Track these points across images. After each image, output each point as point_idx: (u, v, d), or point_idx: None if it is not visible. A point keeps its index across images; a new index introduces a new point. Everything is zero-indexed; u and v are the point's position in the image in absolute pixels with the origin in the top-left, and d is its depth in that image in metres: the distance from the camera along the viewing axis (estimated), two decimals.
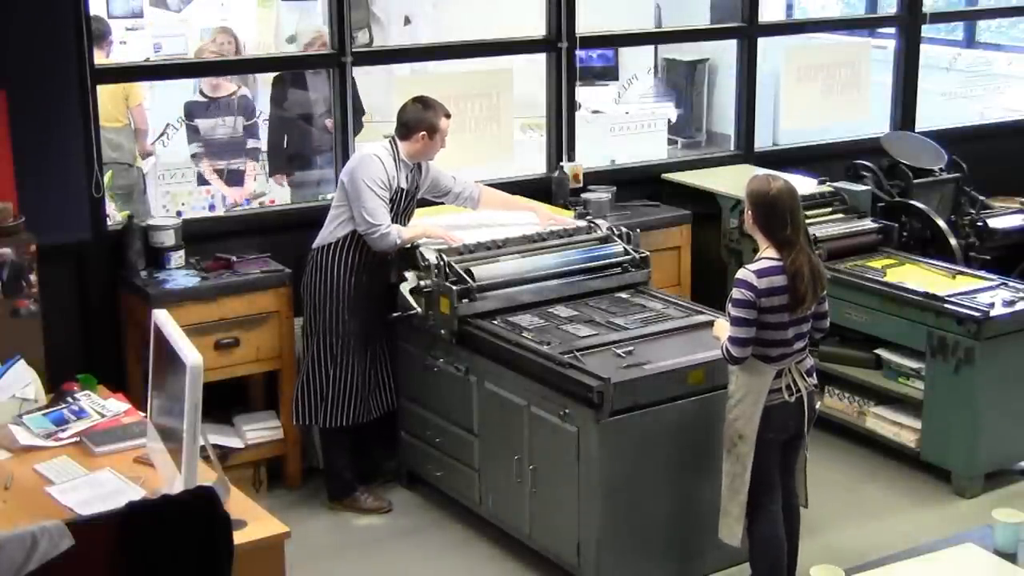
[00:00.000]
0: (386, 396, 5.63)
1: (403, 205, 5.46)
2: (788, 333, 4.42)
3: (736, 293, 4.38)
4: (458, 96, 6.42)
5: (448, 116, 5.47)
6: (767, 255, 4.43)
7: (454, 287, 5.16)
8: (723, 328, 4.53)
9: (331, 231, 5.41)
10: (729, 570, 4.94)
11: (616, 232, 5.65)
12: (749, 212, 4.49)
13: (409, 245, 5.38)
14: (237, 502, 3.73)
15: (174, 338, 3.62)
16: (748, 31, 7.36)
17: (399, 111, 5.50)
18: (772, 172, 4.71)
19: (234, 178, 7.29)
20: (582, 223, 5.78)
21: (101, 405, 4.45)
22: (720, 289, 6.45)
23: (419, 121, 5.40)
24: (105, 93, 6.70)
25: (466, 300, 5.18)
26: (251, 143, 7.43)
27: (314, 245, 5.46)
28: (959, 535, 3.92)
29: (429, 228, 5.47)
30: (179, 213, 6.01)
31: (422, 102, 5.46)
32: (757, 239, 4.50)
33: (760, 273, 4.37)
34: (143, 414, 4.23)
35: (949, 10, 9.94)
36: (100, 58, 6.75)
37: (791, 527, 4.64)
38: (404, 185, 5.43)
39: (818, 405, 4.63)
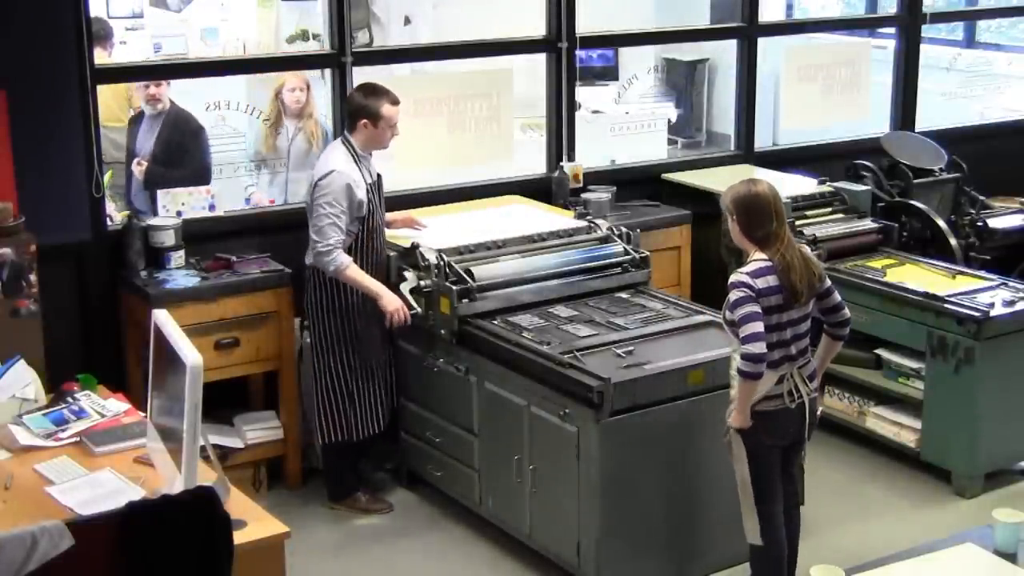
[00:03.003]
0: (392, 397, 5.62)
1: (378, 195, 5.41)
2: (787, 334, 4.40)
3: (737, 293, 4.33)
4: (458, 96, 6.43)
5: (395, 103, 5.34)
6: (757, 257, 4.41)
7: (454, 287, 5.16)
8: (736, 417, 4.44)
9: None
10: (729, 570, 4.94)
11: (616, 232, 5.65)
12: (733, 220, 4.45)
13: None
14: (237, 502, 3.73)
15: (174, 338, 3.62)
16: (748, 31, 7.36)
17: (347, 100, 5.47)
18: (749, 178, 4.66)
19: None
20: (582, 223, 5.78)
21: (101, 405, 4.45)
22: (720, 289, 6.45)
23: (360, 109, 5.33)
24: (109, 92, 6.71)
25: (466, 300, 5.18)
26: None
27: (308, 262, 5.41)
28: (959, 535, 3.92)
29: (385, 293, 5.28)
30: (179, 213, 5.99)
31: (363, 89, 5.41)
32: (744, 246, 4.48)
33: (754, 274, 4.34)
34: (143, 414, 4.23)
35: (949, 10, 9.93)
36: (103, 58, 6.74)
37: (792, 530, 4.64)
38: (371, 179, 5.38)
39: (819, 411, 4.60)
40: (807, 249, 4.54)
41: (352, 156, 5.33)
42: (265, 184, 7.04)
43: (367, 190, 5.32)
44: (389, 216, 5.63)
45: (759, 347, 4.26)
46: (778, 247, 4.37)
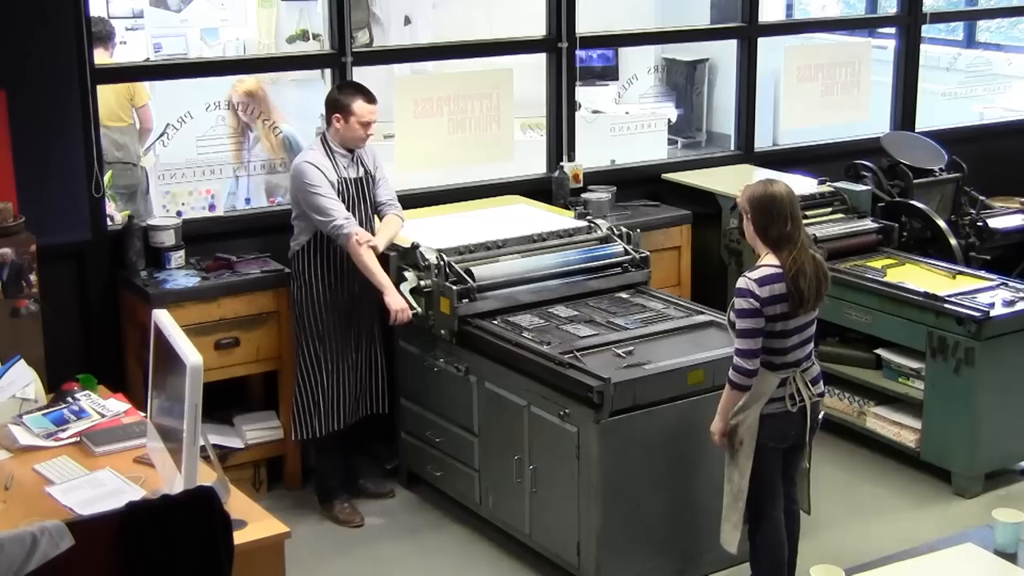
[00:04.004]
0: (376, 399, 5.61)
1: (355, 192, 5.38)
2: (790, 341, 4.38)
3: (741, 303, 4.30)
4: (458, 96, 6.43)
5: (369, 101, 5.33)
6: (766, 262, 4.36)
7: (454, 287, 5.16)
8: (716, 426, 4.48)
9: (295, 236, 5.40)
10: (729, 570, 4.94)
11: (616, 232, 5.65)
12: (748, 218, 4.41)
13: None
14: (237, 502, 3.74)
15: (174, 338, 3.62)
16: (748, 31, 7.36)
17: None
18: (767, 178, 4.64)
19: None
20: (582, 223, 5.77)
21: (101, 405, 4.45)
22: (720, 289, 6.47)
23: (332, 104, 5.36)
24: (110, 92, 6.72)
25: (466, 300, 5.18)
26: None
27: (289, 255, 5.44)
28: (959, 535, 3.93)
29: (391, 290, 5.27)
30: (179, 213, 5.99)
31: (339, 86, 5.46)
32: (757, 247, 4.44)
33: (761, 281, 4.31)
34: (143, 414, 4.23)
35: (949, 10, 9.93)
36: (105, 58, 6.74)
37: (791, 531, 4.64)
38: (347, 174, 5.36)
39: (821, 415, 4.58)
40: (821, 259, 4.47)
41: (326, 151, 5.34)
42: (226, 194, 6.92)
43: (339, 182, 5.31)
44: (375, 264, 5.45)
45: (752, 364, 4.31)
46: (791, 250, 4.33)
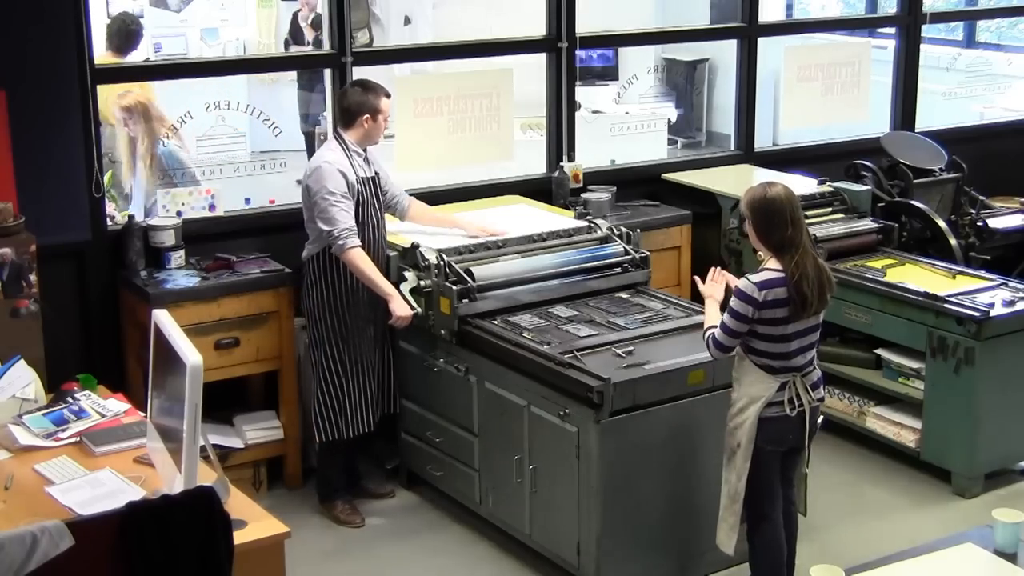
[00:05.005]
0: (390, 398, 5.62)
1: (371, 191, 5.38)
2: (791, 345, 4.37)
3: (737, 304, 4.31)
4: (458, 96, 6.43)
5: (388, 96, 5.42)
6: (770, 266, 4.36)
7: (454, 287, 5.16)
8: (714, 309, 4.55)
9: (311, 240, 5.37)
10: (728, 571, 4.93)
11: (616, 232, 5.65)
12: (750, 222, 4.41)
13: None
14: (237, 502, 3.74)
15: (174, 338, 3.62)
16: (748, 31, 7.36)
17: (339, 98, 5.50)
18: (768, 180, 4.63)
19: None
20: (582, 223, 5.78)
21: (101, 405, 4.45)
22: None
23: (361, 105, 5.35)
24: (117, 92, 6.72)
25: (466, 300, 5.18)
26: None
27: (303, 256, 5.41)
28: (959, 535, 3.93)
29: (397, 297, 5.28)
30: (179, 213, 5.99)
31: (361, 85, 5.44)
32: (760, 250, 4.44)
33: (763, 285, 4.30)
34: (143, 414, 4.23)
35: (949, 10, 9.94)
36: (130, 57, 6.75)
37: (790, 532, 4.64)
38: (364, 173, 5.36)
39: (820, 420, 4.57)
40: (824, 263, 4.47)
41: (344, 150, 5.34)
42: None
43: (359, 182, 5.32)
44: (463, 222, 5.69)
45: (718, 355, 4.44)
46: (793, 255, 4.31)
